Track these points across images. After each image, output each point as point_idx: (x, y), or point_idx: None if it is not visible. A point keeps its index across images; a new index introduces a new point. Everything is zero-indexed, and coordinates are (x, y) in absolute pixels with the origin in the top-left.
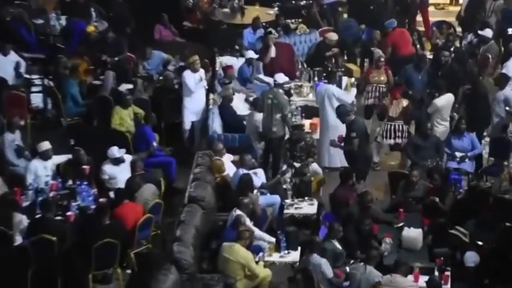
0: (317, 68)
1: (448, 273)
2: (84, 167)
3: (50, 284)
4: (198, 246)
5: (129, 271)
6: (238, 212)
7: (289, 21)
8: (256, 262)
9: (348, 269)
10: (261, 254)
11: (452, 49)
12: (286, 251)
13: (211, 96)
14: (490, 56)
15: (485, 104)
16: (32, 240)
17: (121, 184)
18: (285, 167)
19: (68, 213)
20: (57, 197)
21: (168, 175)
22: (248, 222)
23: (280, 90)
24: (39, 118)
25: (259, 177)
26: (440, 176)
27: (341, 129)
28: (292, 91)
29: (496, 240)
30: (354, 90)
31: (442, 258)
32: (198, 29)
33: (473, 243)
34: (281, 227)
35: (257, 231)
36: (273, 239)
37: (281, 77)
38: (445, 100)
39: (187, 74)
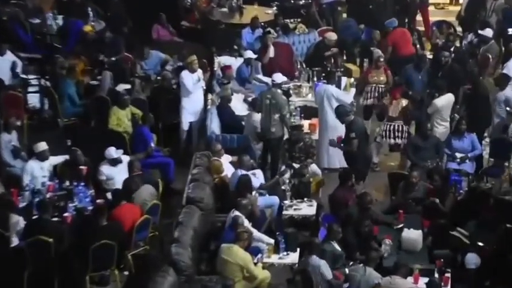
0: (316, 68)
1: (448, 275)
2: (81, 167)
3: (46, 285)
4: (196, 248)
5: (126, 273)
6: (236, 213)
7: (288, 20)
8: (255, 263)
9: (347, 270)
10: (259, 255)
11: (452, 49)
12: (285, 253)
13: (209, 96)
14: (490, 56)
15: (485, 105)
16: (28, 241)
17: (118, 185)
18: (283, 168)
19: (65, 215)
20: (54, 198)
21: (166, 176)
22: (246, 223)
23: (279, 90)
24: (36, 118)
25: (257, 178)
26: (440, 177)
27: (340, 129)
28: (291, 91)
29: (496, 241)
30: (353, 91)
31: (442, 260)
32: (196, 28)
33: (474, 245)
34: (280, 228)
35: (256, 233)
36: (272, 241)
37: (279, 77)
38: (445, 100)
39: (185, 75)
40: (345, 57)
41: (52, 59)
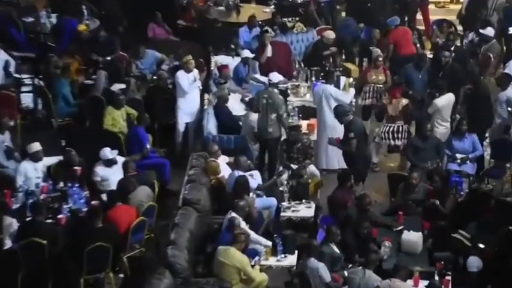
0: (314, 68)
1: (448, 277)
2: (75, 168)
3: None
4: (193, 250)
5: (121, 275)
6: (233, 214)
7: (286, 19)
8: (252, 266)
9: (346, 273)
10: (257, 257)
11: (452, 48)
12: (282, 255)
13: (206, 96)
14: (491, 55)
15: (487, 105)
16: (22, 243)
17: (113, 186)
18: (281, 169)
19: (59, 216)
20: (48, 199)
21: (162, 177)
22: (243, 225)
23: (275, 90)
24: (29, 118)
25: (255, 179)
26: (440, 178)
27: (339, 130)
28: (289, 91)
29: (498, 243)
30: (352, 90)
31: (442, 263)
32: (193, 27)
33: (475, 247)
34: (278, 230)
35: (253, 235)
36: (270, 243)
37: (276, 76)
38: (446, 100)
39: (181, 75)
40: (343, 57)
41: (46, 58)
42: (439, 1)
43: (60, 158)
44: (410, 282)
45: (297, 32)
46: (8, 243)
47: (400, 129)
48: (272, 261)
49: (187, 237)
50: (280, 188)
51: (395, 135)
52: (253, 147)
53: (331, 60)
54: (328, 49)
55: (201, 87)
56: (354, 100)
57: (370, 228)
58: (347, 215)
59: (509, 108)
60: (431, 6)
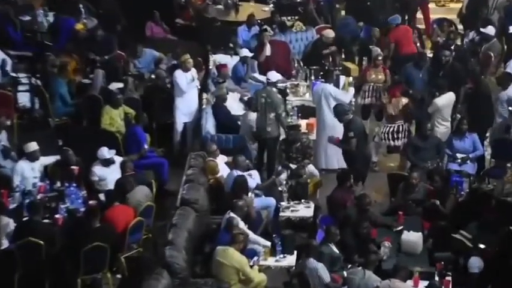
0: (314, 67)
1: (449, 278)
2: (72, 167)
3: None
4: (191, 250)
5: (119, 276)
6: (232, 214)
7: (285, 18)
8: (251, 266)
9: (345, 273)
10: (255, 258)
11: (453, 47)
12: (281, 255)
13: (204, 95)
14: (492, 54)
15: (487, 104)
16: (19, 243)
17: (111, 186)
18: (280, 168)
19: (56, 216)
20: (45, 199)
21: (160, 177)
22: (242, 225)
23: (274, 89)
24: (26, 118)
25: (253, 178)
26: (441, 178)
27: (338, 129)
28: (288, 90)
29: (499, 243)
30: (352, 90)
31: (442, 263)
32: (191, 26)
33: (476, 247)
34: (277, 230)
35: (252, 235)
36: (268, 243)
37: (274, 75)
38: (446, 99)
39: (179, 74)
40: (343, 56)
41: (43, 57)
42: (439, 0)
43: (58, 157)
44: (410, 282)
45: (296, 31)
46: (5, 244)
47: (400, 128)
48: (271, 261)
49: (185, 237)
50: (279, 188)
51: (396, 135)
52: (252, 147)
53: (330, 59)
54: (328, 48)
55: (199, 87)
56: (354, 99)
57: (370, 229)
58: (346, 215)
59: (510, 108)
60: (431, 5)
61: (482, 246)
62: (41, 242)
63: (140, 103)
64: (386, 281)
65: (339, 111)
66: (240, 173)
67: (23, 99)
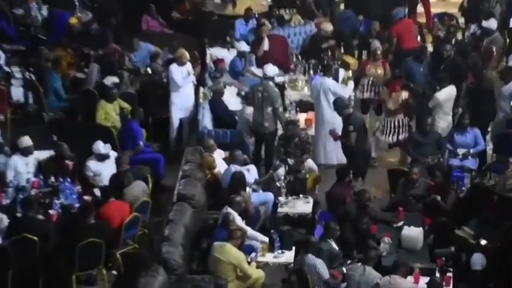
0: (312, 61)
1: (450, 274)
2: (67, 162)
3: (31, 285)
4: (188, 246)
5: (114, 272)
6: (229, 210)
7: (283, 11)
8: (249, 263)
9: (345, 269)
10: (253, 254)
11: (453, 41)
12: (280, 251)
13: (201, 90)
14: (494, 48)
15: (489, 99)
16: (12, 240)
17: (106, 181)
18: (277, 163)
19: (51, 212)
20: (39, 194)
21: (156, 172)
22: (239, 220)
23: (271, 83)
24: (19, 113)
25: (251, 174)
26: (441, 173)
27: (337, 124)
28: (286, 85)
29: (500, 239)
30: (351, 84)
31: (443, 259)
32: (187, 20)
33: (478, 244)
34: (275, 226)
35: (250, 231)
36: (266, 239)
37: (271, 69)
38: (447, 93)
39: (174, 69)
40: (342, 50)
41: (37, 51)
42: None
43: (52, 152)
44: (410, 279)
45: (295, 25)
46: None
47: (400, 123)
48: (269, 257)
49: (182, 233)
50: (278, 183)
51: (395, 130)
52: (249, 142)
53: (329, 53)
54: (326, 42)
55: (195, 82)
56: (353, 94)
57: (369, 224)
58: (346, 210)
59: None
60: None
61: (483, 242)
62: (35, 238)
63: (136, 98)
64: (387, 277)
65: (339, 105)
66: (237, 168)
67: (17, 93)
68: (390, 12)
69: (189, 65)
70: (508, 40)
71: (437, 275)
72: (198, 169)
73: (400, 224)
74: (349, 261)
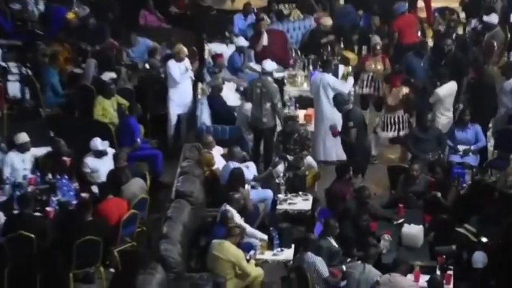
0: (312, 56)
1: (450, 272)
2: (64, 159)
3: (28, 283)
4: (186, 244)
5: (112, 270)
6: (228, 207)
7: (282, 6)
8: (248, 260)
9: (344, 267)
10: (252, 251)
11: (454, 36)
12: (279, 249)
13: (199, 85)
14: (495, 43)
15: (491, 94)
16: (9, 237)
17: (103, 178)
18: (276, 159)
19: (48, 209)
20: (36, 191)
21: (154, 169)
22: (237, 218)
23: (269, 78)
24: (16, 108)
25: (250, 170)
26: (442, 169)
27: (337, 120)
28: (285, 80)
29: (502, 236)
30: (351, 80)
31: (444, 257)
32: (186, 14)
33: (479, 241)
34: (274, 224)
35: (248, 228)
36: (265, 236)
37: (269, 64)
38: (448, 89)
39: (172, 64)
40: (342, 45)
41: (33, 46)
42: None
43: (49, 149)
44: (410, 276)
45: (294, 20)
46: None
47: (400, 119)
48: (268, 255)
49: (180, 230)
50: (277, 180)
51: (396, 126)
52: (248, 138)
53: (329, 48)
54: (326, 36)
55: (193, 77)
56: (353, 89)
57: (369, 221)
58: (346, 208)
59: None
60: None
61: (484, 239)
62: (32, 236)
63: (134, 93)
64: (387, 275)
65: (339, 101)
66: (236, 164)
67: (13, 89)
68: (391, 6)
69: (187, 61)
70: (509, 35)
71: (438, 273)
72: (196, 166)
73: (400, 221)
74: (348, 259)
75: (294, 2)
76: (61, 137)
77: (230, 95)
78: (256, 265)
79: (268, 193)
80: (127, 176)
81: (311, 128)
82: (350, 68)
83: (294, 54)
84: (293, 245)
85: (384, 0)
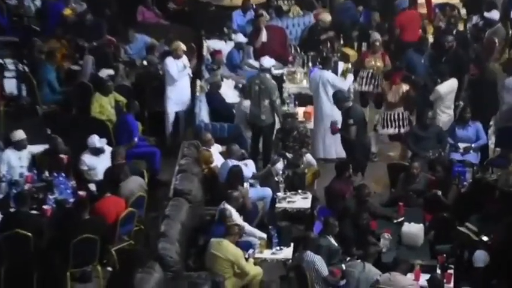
0: (311, 53)
1: (451, 271)
2: (61, 156)
3: (24, 282)
4: (184, 243)
5: (109, 269)
6: (226, 205)
7: (281, 2)
8: (246, 259)
9: (344, 266)
10: (251, 250)
11: (454, 32)
12: (278, 248)
13: (198, 83)
14: (496, 40)
15: (492, 91)
16: (5, 235)
17: (101, 175)
18: (275, 157)
19: (45, 207)
20: (33, 189)
21: (152, 166)
22: (236, 216)
23: (268, 75)
24: (13, 105)
25: (249, 168)
26: (443, 167)
27: (337, 118)
28: (285, 77)
29: (503, 236)
30: (351, 77)
31: (444, 256)
32: (184, 10)
33: (480, 240)
34: (273, 222)
35: (247, 227)
36: (264, 235)
37: (268, 61)
38: (448, 86)
39: (170, 62)
40: (342, 41)
41: (30, 43)
42: None
43: (46, 146)
44: (411, 275)
45: (293, 16)
46: None
47: (400, 116)
48: (267, 254)
49: (178, 229)
50: (276, 178)
51: (396, 123)
52: (247, 135)
53: (328, 45)
54: (325, 33)
55: (191, 75)
56: (353, 86)
57: (369, 220)
58: (345, 206)
59: None
60: None
61: (485, 238)
62: (29, 234)
63: (131, 90)
64: (387, 274)
65: (339, 98)
66: (235, 162)
67: (10, 86)
68: (391, 2)
69: (185, 58)
70: (510, 31)
71: (438, 272)
72: (194, 164)
73: (401, 219)
74: (348, 258)
75: None
76: (58, 135)
77: (229, 92)
78: (255, 264)
79: (267, 191)
80: (126, 174)
81: (310, 125)
82: (350, 65)
83: (293, 51)
84: (292, 244)
85: None
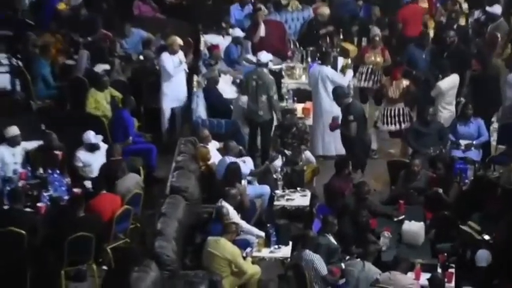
0: (310, 48)
1: (452, 270)
2: (56, 152)
3: (18, 280)
4: (181, 241)
5: (105, 267)
6: (224, 203)
7: None
8: (244, 258)
9: (343, 265)
10: (249, 249)
11: (455, 27)
12: (276, 246)
13: (195, 78)
14: (498, 35)
15: (494, 87)
16: None
17: (96, 172)
18: (274, 154)
19: (39, 204)
20: (27, 186)
21: (148, 163)
22: (234, 214)
23: (265, 70)
24: (6, 101)
25: (247, 165)
26: (444, 165)
27: (336, 114)
28: (283, 73)
29: (505, 234)
30: (350, 72)
31: (445, 255)
32: (181, 4)
33: (483, 239)
34: (271, 220)
35: (245, 225)
36: (262, 233)
37: (265, 56)
38: (450, 82)
39: (166, 57)
40: (341, 36)
41: (24, 37)
42: None
43: (40, 142)
44: (411, 274)
45: (292, 10)
46: None
47: (401, 111)
48: (265, 252)
49: (175, 227)
50: (274, 175)
51: (396, 119)
52: (245, 132)
53: (328, 40)
54: (324, 27)
55: (187, 70)
56: (352, 82)
57: (369, 218)
58: (345, 204)
59: None
60: None
61: (486, 237)
62: (23, 232)
63: (127, 86)
64: (387, 273)
65: (339, 94)
66: (232, 159)
67: (3, 81)
68: None
69: (181, 54)
70: None
71: (439, 271)
72: (191, 160)
73: (401, 217)
74: (348, 257)
75: None
76: (53, 130)
77: (226, 88)
78: (253, 263)
79: (266, 189)
80: (123, 170)
81: (309, 121)
82: (349, 60)
83: (292, 46)
84: (291, 242)
85: None
